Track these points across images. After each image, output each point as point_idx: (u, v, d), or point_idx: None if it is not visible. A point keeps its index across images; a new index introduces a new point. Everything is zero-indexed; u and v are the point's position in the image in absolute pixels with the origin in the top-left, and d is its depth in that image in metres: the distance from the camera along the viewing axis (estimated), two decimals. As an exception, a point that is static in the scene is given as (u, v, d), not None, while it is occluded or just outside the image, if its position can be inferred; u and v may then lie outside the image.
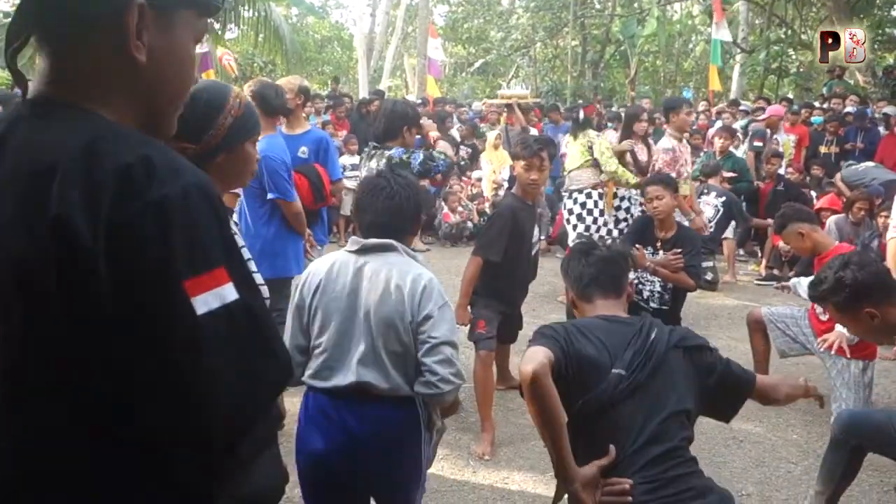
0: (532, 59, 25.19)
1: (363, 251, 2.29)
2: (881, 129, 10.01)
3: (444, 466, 3.57)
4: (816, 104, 12.04)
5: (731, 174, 8.36)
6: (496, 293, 3.96)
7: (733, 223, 7.71)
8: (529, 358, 1.96)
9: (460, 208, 9.45)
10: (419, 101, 13.28)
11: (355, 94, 17.89)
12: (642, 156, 6.06)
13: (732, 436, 3.92)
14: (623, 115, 7.98)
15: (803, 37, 18.78)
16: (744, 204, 8.18)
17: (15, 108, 1.02)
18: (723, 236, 7.63)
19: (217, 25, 12.41)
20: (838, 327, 3.80)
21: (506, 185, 9.18)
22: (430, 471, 2.49)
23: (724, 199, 7.57)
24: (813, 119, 10.76)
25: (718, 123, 10.49)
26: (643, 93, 20.45)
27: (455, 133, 10.77)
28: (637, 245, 4.44)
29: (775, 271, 7.66)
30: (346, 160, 8.85)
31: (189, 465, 0.94)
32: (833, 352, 3.93)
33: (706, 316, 6.38)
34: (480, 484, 3.48)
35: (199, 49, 11.89)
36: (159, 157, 0.92)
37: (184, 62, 1.06)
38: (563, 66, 23.10)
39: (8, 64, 1.02)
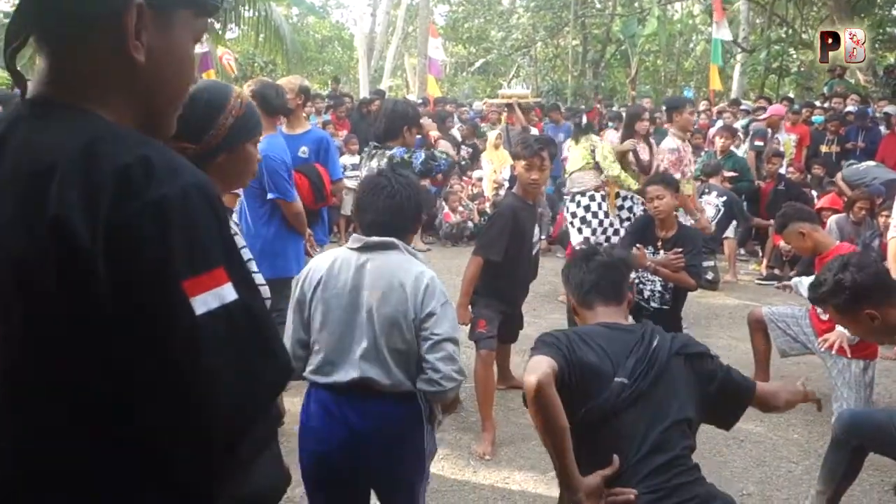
0: (533, 58, 25.20)
1: (365, 249, 2.30)
2: (882, 128, 9.99)
3: (444, 466, 3.57)
4: (817, 103, 12.03)
5: (731, 174, 8.35)
6: (497, 293, 3.96)
7: (734, 223, 7.71)
8: (533, 368, 1.94)
9: (461, 208, 9.45)
10: (420, 100, 13.29)
11: (356, 93, 17.90)
12: (644, 155, 6.06)
13: (733, 435, 3.91)
14: (624, 114, 7.97)
15: (804, 36, 18.78)
16: (745, 203, 8.17)
17: (14, 108, 1.02)
18: (724, 236, 7.63)
19: (217, 25, 12.41)
20: (839, 327, 3.80)
21: (506, 184, 9.18)
22: (430, 470, 2.49)
23: (725, 198, 7.57)
24: (814, 118, 10.75)
25: (719, 123, 10.48)
26: (644, 92, 20.45)
27: (456, 133, 10.77)
28: (638, 245, 4.44)
29: (776, 271, 7.65)
30: (347, 160, 8.85)
31: (189, 465, 0.94)
32: (834, 351, 3.93)
33: (707, 315, 6.38)
34: (481, 484, 3.48)
35: (200, 49, 11.92)
36: (158, 158, 0.92)
37: (183, 62, 1.06)
38: (564, 65, 23.12)
39: (7, 64, 1.02)
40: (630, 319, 2.48)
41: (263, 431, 1.04)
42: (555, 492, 2.44)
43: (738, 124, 10.43)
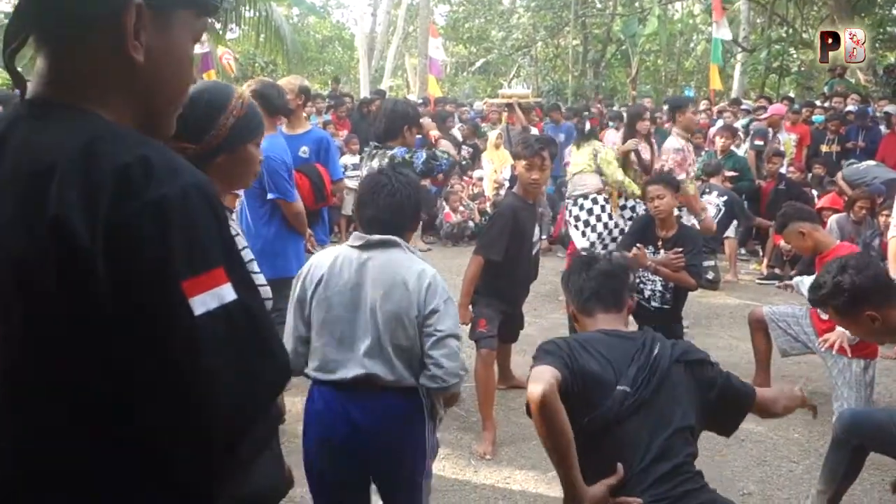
0: (533, 58, 25.19)
1: (366, 247, 2.32)
2: (882, 127, 9.98)
3: (445, 466, 3.57)
4: (818, 103, 12.02)
5: (732, 173, 8.35)
6: (497, 292, 3.96)
7: (735, 222, 7.71)
8: (536, 378, 1.93)
9: (462, 208, 9.45)
10: (420, 100, 13.29)
11: (356, 93, 17.90)
12: (645, 154, 6.06)
13: (734, 435, 3.91)
14: (625, 114, 7.97)
15: (804, 35, 18.78)
16: (745, 203, 8.17)
17: (14, 108, 1.02)
18: (724, 235, 7.62)
19: (218, 26, 12.41)
20: (839, 327, 3.80)
21: (507, 184, 9.18)
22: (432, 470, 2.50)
23: (725, 198, 7.56)
24: (814, 118, 10.75)
25: (720, 122, 10.48)
26: (644, 92, 20.46)
27: (456, 132, 10.77)
28: (638, 244, 4.44)
29: (777, 270, 7.65)
30: (348, 160, 8.85)
31: (189, 465, 0.94)
32: (834, 351, 3.92)
33: (708, 315, 6.37)
34: (482, 483, 3.48)
35: (201, 49, 11.92)
36: (158, 158, 0.92)
37: (182, 62, 1.06)
38: (565, 65, 23.12)
39: (6, 65, 1.02)
40: (631, 319, 2.48)
41: (263, 431, 1.05)
42: (555, 491, 2.45)
43: (739, 124, 10.43)
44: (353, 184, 7.55)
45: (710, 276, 6.78)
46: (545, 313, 6.08)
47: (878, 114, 10.63)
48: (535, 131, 9.17)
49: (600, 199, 5.99)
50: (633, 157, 5.99)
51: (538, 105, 12.09)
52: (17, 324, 0.92)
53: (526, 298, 4.36)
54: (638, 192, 5.77)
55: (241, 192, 3.29)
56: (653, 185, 4.57)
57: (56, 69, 0.99)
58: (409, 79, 24.55)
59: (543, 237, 6.88)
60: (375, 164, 3.79)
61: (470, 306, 3.93)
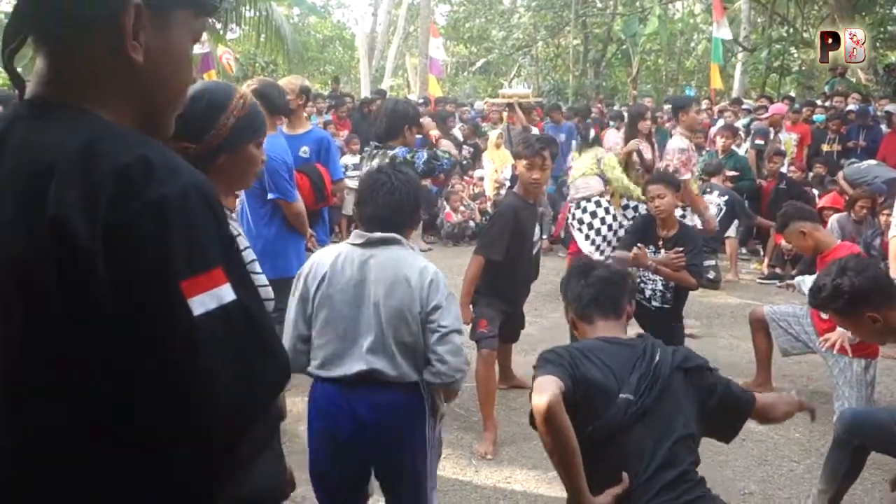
0: (534, 58, 25.18)
1: (368, 244, 2.33)
2: (883, 126, 9.98)
3: (446, 466, 3.57)
4: (818, 102, 12.01)
5: (733, 173, 8.34)
6: (498, 292, 3.96)
7: (736, 222, 7.70)
8: (541, 388, 1.92)
9: (462, 208, 9.45)
10: (421, 100, 13.29)
11: (357, 93, 17.90)
12: (647, 154, 6.06)
13: (735, 434, 3.92)
14: (626, 114, 7.97)
15: (805, 35, 18.77)
16: (746, 202, 8.17)
17: (13, 108, 1.02)
18: (725, 235, 7.62)
19: (218, 26, 12.41)
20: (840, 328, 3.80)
21: (508, 184, 9.17)
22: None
23: (726, 197, 7.55)
24: (815, 117, 10.74)
25: (720, 122, 10.48)
26: (645, 91, 20.45)
27: (457, 132, 10.77)
28: (639, 244, 4.44)
29: (778, 270, 7.64)
30: (348, 160, 8.85)
31: (189, 465, 0.94)
32: (835, 351, 3.92)
33: (708, 315, 6.37)
34: (483, 483, 3.48)
35: (201, 49, 11.92)
36: (157, 158, 0.92)
37: (181, 62, 1.06)
38: (565, 65, 23.12)
39: (5, 65, 1.02)
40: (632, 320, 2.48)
41: (263, 431, 1.05)
42: (556, 491, 2.45)
43: (740, 123, 10.43)
44: (353, 184, 7.52)
45: (711, 275, 6.78)
46: (546, 313, 6.07)
47: (878, 113, 10.62)
48: (535, 131, 9.16)
49: (603, 200, 5.98)
50: (635, 157, 5.99)
51: (539, 105, 12.08)
52: (17, 324, 0.92)
53: (527, 298, 4.36)
54: (643, 196, 5.76)
55: (241, 193, 3.29)
56: (653, 185, 4.57)
57: (55, 69, 0.99)
58: (410, 78, 24.56)
59: (544, 237, 6.87)
60: (376, 164, 3.78)
61: (471, 306, 3.93)
